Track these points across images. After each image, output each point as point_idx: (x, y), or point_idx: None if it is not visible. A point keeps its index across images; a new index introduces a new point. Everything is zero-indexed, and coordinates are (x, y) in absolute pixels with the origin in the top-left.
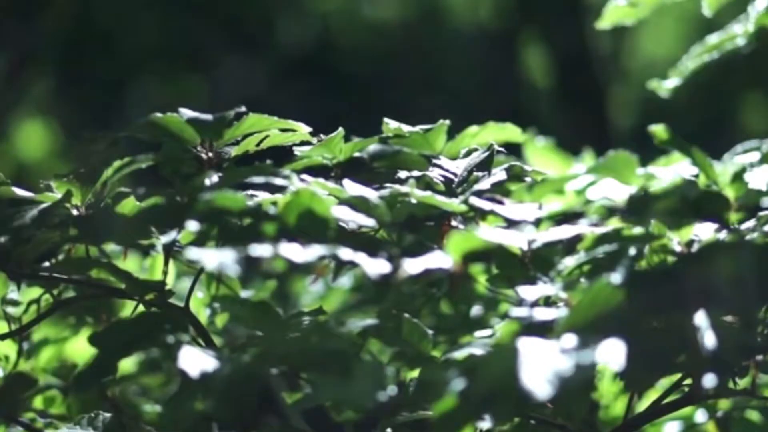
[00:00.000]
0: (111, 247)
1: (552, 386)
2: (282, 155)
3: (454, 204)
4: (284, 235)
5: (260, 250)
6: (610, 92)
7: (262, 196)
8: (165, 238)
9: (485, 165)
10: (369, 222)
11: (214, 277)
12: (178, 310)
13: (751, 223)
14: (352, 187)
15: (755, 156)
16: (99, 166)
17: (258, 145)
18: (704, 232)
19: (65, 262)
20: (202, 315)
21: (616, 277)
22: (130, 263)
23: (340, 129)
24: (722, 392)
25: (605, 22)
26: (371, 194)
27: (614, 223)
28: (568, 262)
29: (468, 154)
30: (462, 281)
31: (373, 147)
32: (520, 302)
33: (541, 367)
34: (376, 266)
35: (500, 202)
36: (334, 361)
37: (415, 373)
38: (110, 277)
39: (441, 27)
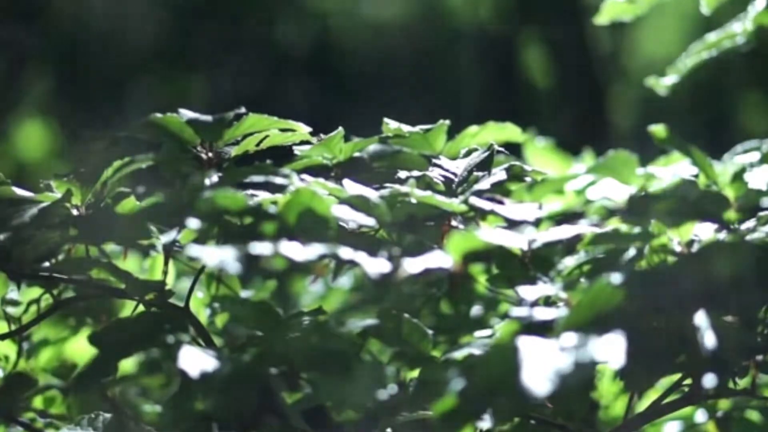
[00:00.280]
0: (111, 247)
1: (552, 385)
2: (282, 155)
3: (454, 204)
4: (284, 235)
5: (260, 248)
6: (610, 92)
7: (263, 196)
8: (165, 238)
9: (485, 165)
10: (369, 222)
11: (214, 277)
12: (178, 310)
13: (751, 223)
14: (352, 187)
15: (755, 156)
16: (99, 166)
17: (258, 145)
18: (704, 232)
19: (65, 262)
20: (202, 315)
21: (616, 277)
22: (130, 263)
23: (340, 129)
24: (722, 392)
25: (603, 17)
26: (371, 194)
27: (614, 223)
28: (568, 262)
29: (468, 154)
30: (462, 281)
31: (373, 147)
32: (520, 302)
33: (541, 365)
34: (376, 266)
35: (500, 202)
36: (334, 361)
37: (415, 373)
38: (110, 277)
39: (441, 27)
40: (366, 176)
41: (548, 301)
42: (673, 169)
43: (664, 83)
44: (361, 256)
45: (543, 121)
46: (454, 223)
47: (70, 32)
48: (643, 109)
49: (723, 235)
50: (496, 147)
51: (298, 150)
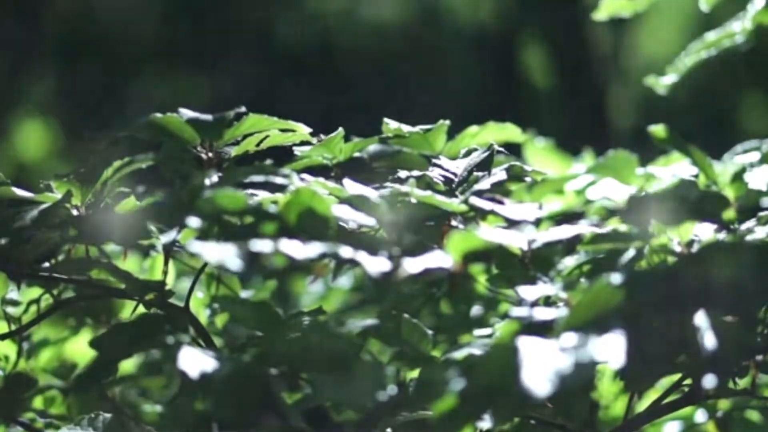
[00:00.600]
0: (111, 247)
1: (552, 385)
2: (282, 155)
3: (454, 204)
4: (284, 234)
5: (261, 245)
6: (610, 92)
7: (263, 196)
8: (165, 238)
9: (485, 165)
10: (369, 221)
11: (214, 277)
12: (178, 310)
13: (751, 223)
14: (352, 187)
15: (755, 156)
16: (99, 166)
17: (258, 145)
18: (704, 232)
19: (65, 262)
20: (202, 315)
21: (616, 277)
22: (130, 263)
23: (340, 129)
24: (722, 392)
25: (602, 13)
26: (371, 194)
27: (614, 223)
28: (568, 262)
29: (468, 154)
30: (462, 281)
31: (373, 147)
32: (520, 302)
33: (541, 366)
34: (376, 265)
35: (500, 202)
36: (334, 361)
37: (415, 373)
38: (110, 277)
39: (441, 27)
40: (366, 176)
41: (548, 301)
42: (673, 169)
43: (663, 82)
44: (361, 256)
45: (543, 121)
46: (454, 223)
47: (71, 32)
48: (643, 109)
49: (723, 235)
50: (496, 147)
51: (298, 150)
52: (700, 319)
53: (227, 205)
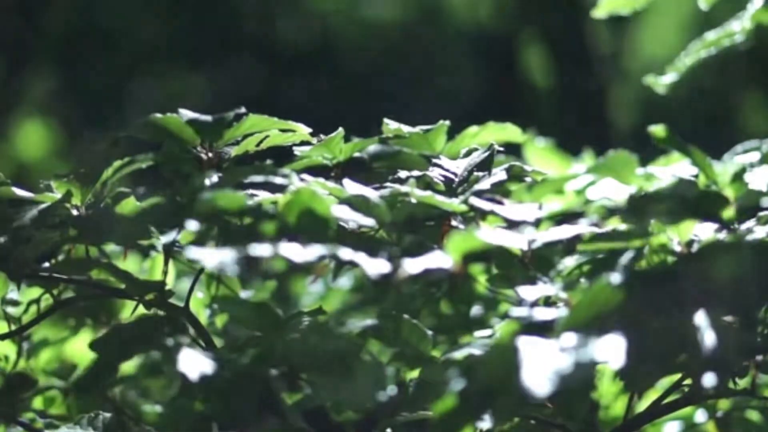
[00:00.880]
0: (111, 247)
1: (552, 385)
2: (282, 155)
3: (454, 204)
4: (284, 235)
5: (260, 249)
6: (610, 92)
7: (263, 196)
8: (165, 239)
9: (485, 165)
10: (369, 222)
11: (214, 278)
12: (178, 310)
13: (751, 223)
14: (352, 187)
15: (755, 156)
16: (99, 166)
17: (258, 145)
18: (704, 232)
19: (65, 262)
20: (202, 315)
21: (616, 277)
22: (130, 263)
23: (340, 129)
24: (722, 392)
25: (601, 11)
26: (371, 194)
27: (614, 223)
28: (568, 262)
29: (468, 154)
30: (462, 281)
31: (373, 147)
32: (520, 302)
33: (541, 366)
34: (376, 266)
35: (500, 202)
36: (334, 361)
37: (415, 373)
38: (110, 277)
39: (441, 27)
40: (366, 176)
41: (548, 301)
42: (673, 169)
43: (662, 82)
44: (360, 257)
45: (543, 121)
46: (454, 223)
47: (71, 32)
48: (643, 109)
49: (723, 235)
50: (496, 147)
51: (298, 150)
52: (700, 319)
53: (226, 206)
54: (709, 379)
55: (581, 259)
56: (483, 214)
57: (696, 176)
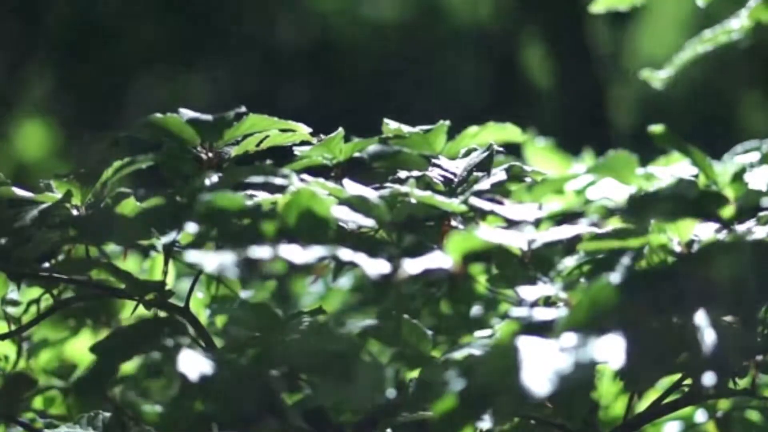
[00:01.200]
0: (111, 247)
1: (552, 385)
2: (282, 155)
3: (454, 204)
4: (284, 236)
5: (260, 251)
6: (610, 92)
7: (262, 196)
8: (165, 239)
9: (485, 165)
10: (369, 222)
11: (214, 278)
12: (178, 310)
13: (751, 223)
14: (352, 187)
15: (755, 156)
16: (99, 166)
17: (258, 145)
18: (704, 232)
19: (65, 262)
20: (202, 315)
21: (616, 277)
22: (130, 264)
23: (340, 129)
24: (722, 392)
25: (599, 6)
26: (371, 194)
27: (614, 223)
28: (568, 262)
29: (468, 154)
30: (462, 281)
31: (373, 147)
32: (520, 302)
33: (541, 366)
34: (375, 266)
35: (500, 202)
36: (333, 362)
37: (415, 374)
38: (110, 277)
39: (441, 27)
40: (366, 176)
41: (548, 301)
42: (673, 169)
43: (659, 76)
44: (360, 257)
45: (543, 121)
46: (454, 223)
47: (71, 32)
48: (643, 109)
49: (723, 235)
50: (496, 147)
51: (298, 150)
52: (700, 319)
53: (226, 207)
54: (709, 379)
55: (581, 259)
56: (483, 214)
57: (696, 176)
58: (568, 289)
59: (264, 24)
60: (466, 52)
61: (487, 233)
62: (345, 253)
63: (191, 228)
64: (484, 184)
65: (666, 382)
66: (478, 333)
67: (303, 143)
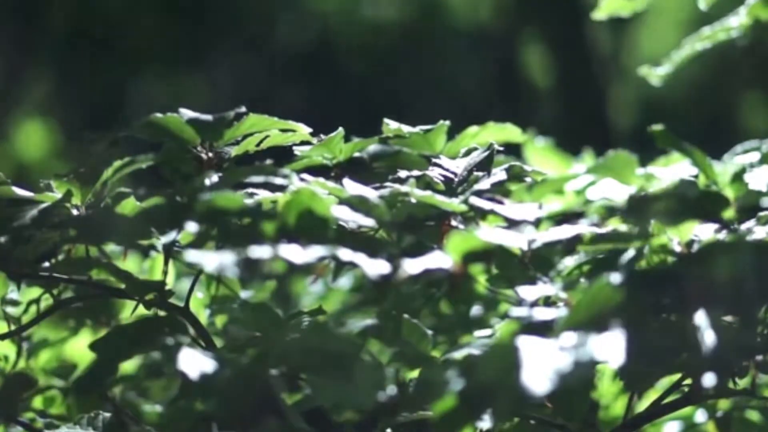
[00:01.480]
0: (111, 247)
1: (552, 385)
2: (282, 155)
3: (454, 204)
4: (284, 235)
5: (260, 251)
6: (610, 92)
7: (262, 196)
8: (165, 239)
9: (485, 165)
10: (369, 222)
11: (214, 278)
12: (178, 310)
13: (751, 223)
14: (352, 187)
15: (755, 156)
16: (99, 166)
17: (258, 145)
18: (704, 232)
19: (65, 262)
20: (202, 315)
21: (616, 277)
22: (130, 264)
23: (340, 129)
24: (722, 392)
25: (601, 13)
26: (371, 194)
27: (614, 223)
28: (568, 262)
29: (468, 153)
30: (462, 281)
31: (373, 147)
32: (520, 302)
33: (541, 365)
34: (375, 266)
35: (500, 202)
36: (333, 362)
37: (414, 373)
38: (110, 277)
39: (441, 27)
40: (366, 176)
41: (548, 301)
42: (673, 169)
43: (657, 73)
44: (360, 257)
45: (543, 121)
46: (454, 223)
47: (71, 32)
48: (643, 109)
49: (723, 235)
50: (496, 147)
51: (298, 150)
52: (700, 319)
53: (226, 206)
54: (709, 379)
55: (581, 259)
56: (483, 214)
57: (696, 176)
58: (568, 289)
59: (264, 24)
60: (466, 51)
61: (487, 233)
62: (345, 253)
63: (191, 228)
64: (484, 184)
65: (666, 382)
66: (478, 333)
67: (303, 143)
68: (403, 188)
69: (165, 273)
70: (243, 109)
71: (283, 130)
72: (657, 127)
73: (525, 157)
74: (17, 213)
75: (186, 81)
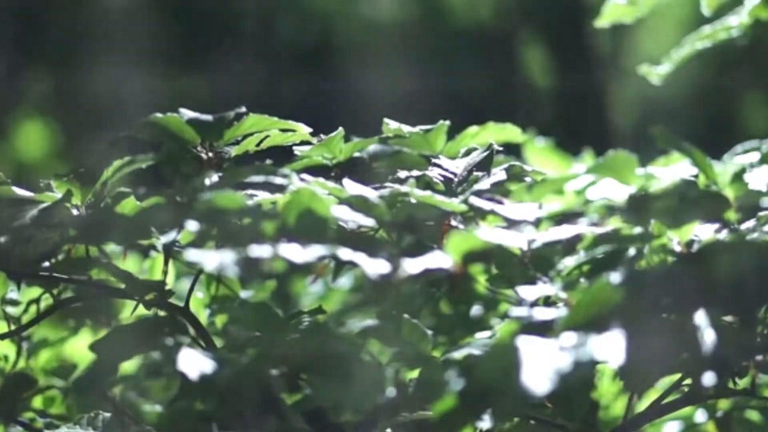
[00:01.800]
0: (111, 247)
1: (552, 385)
2: (282, 155)
3: (454, 204)
4: (284, 235)
5: (260, 251)
6: (610, 92)
7: (262, 196)
8: (165, 239)
9: (485, 165)
10: (369, 222)
11: (214, 278)
12: (178, 310)
13: (751, 223)
14: (352, 187)
15: (755, 156)
16: (99, 166)
17: (258, 145)
18: (704, 232)
19: (65, 262)
20: (202, 315)
21: (616, 277)
22: (130, 263)
23: (340, 129)
24: (722, 392)
25: (604, 20)
26: (371, 194)
27: (614, 223)
28: (568, 262)
29: (467, 153)
30: (462, 281)
31: (373, 147)
32: (520, 302)
33: (541, 365)
34: (375, 266)
35: (500, 202)
36: (333, 362)
37: (414, 373)
38: (110, 277)
39: (441, 26)
40: (366, 176)
41: (548, 301)
42: (673, 169)
43: (657, 71)
44: (360, 257)
45: (543, 121)
46: (454, 223)
47: (70, 32)
48: (643, 109)
49: (723, 235)
50: (496, 147)
51: (298, 150)
52: (700, 319)
53: (226, 206)
54: (709, 379)
55: (581, 259)
56: (483, 214)
57: (696, 176)
58: (568, 289)
59: (264, 24)
60: (466, 51)
61: (487, 233)
62: (345, 253)
63: (191, 227)
64: (484, 184)
65: (666, 382)
66: (478, 333)
67: (303, 143)
68: (403, 188)
69: (165, 273)
70: (243, 109)
71: (283, 130)
72: (657, 128)
73: (525, 157)
74: (17, 213)
75: (186, 81)
